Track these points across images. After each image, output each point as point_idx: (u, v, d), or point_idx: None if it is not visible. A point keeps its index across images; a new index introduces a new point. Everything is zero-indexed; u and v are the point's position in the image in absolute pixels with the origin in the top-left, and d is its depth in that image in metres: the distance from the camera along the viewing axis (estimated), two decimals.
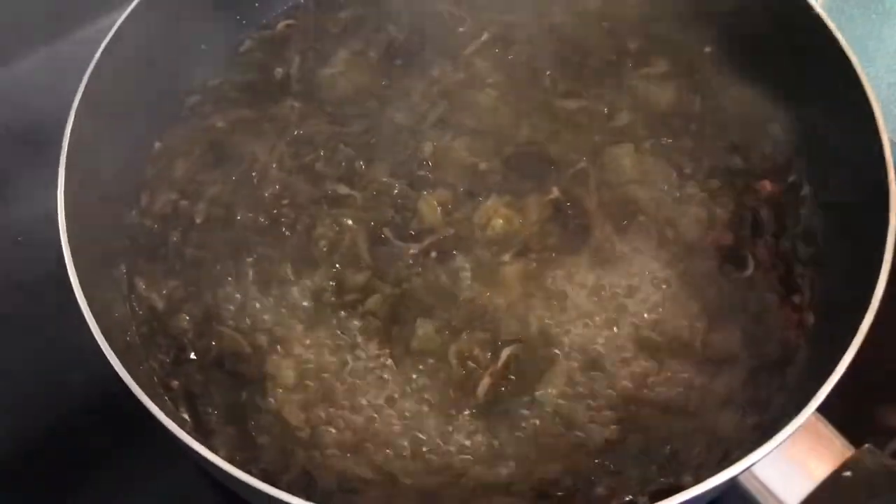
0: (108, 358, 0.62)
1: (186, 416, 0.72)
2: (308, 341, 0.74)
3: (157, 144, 0.87)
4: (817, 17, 0.79)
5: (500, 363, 0.72)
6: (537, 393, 0.71)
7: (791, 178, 0.83)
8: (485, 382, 0.71)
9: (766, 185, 0.82)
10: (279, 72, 0.92)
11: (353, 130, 0.86)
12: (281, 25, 0.96)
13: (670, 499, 0.56)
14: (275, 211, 0.82)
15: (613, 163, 0.83)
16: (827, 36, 0.77)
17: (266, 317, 0.76)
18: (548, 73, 0.89)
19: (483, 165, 0.83)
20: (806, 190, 0.82)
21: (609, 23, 0.93)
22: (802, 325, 0.74)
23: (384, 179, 0.83)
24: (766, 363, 0.73)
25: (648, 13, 0.92)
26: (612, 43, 0.92)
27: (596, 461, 0.69)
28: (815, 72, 0.80)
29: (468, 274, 0.77)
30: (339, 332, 0.75)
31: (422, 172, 0.83)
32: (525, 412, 0.71)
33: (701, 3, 0.89)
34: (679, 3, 0.90)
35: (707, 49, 0.90)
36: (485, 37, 0.92)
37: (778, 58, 0.84)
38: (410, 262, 0.78)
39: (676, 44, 0.90)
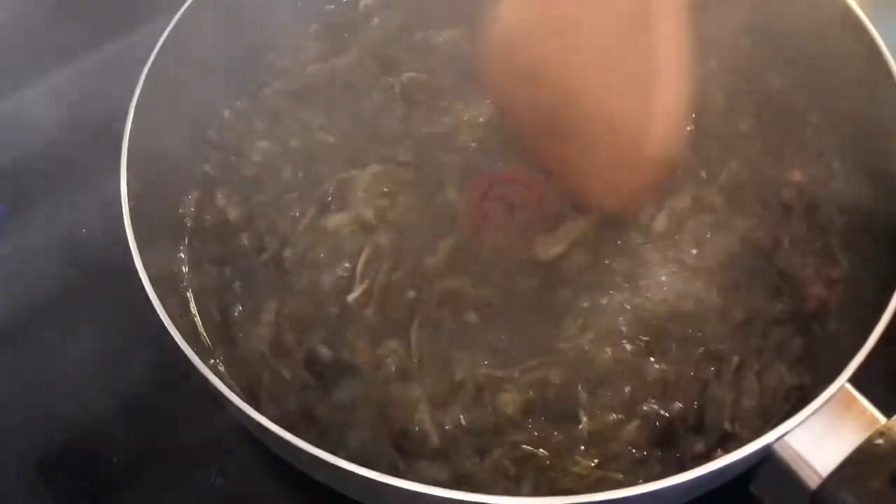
0: (175, 338, 0.65)
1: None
2: None
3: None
4: (858, 21, 0.80)
5: None
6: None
7: (825, 158, 0.86)
8: None
9: (796, 175, 0.85)
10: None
11: None
12: None
13: (705, 466, 0.59)
14: None
15: None
16: (868, 39, 0.79)
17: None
18: None
19: None
20: (837, 164, 0.85)
21: None
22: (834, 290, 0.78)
23: None
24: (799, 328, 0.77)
25: None
26: None
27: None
28: (854, 72, 0.82)
29: None
30: None
31: None
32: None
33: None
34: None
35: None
36: None
37: (816, 59, 0.87)
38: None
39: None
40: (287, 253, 0.83)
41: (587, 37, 0.72)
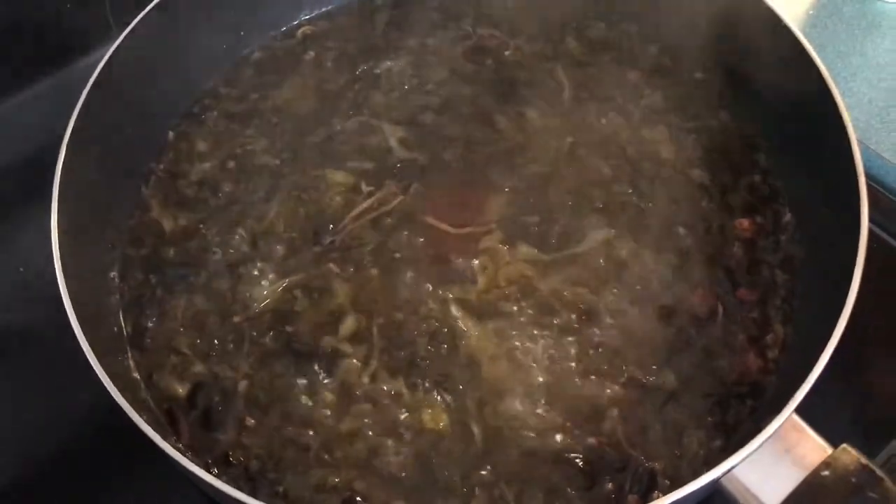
0: (104, 382, 0.63)
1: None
2: None
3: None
4: (797, 42, 0.81)
5: None
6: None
7: (775, 206, 0.85)
8: None
9: (743, 223, 0.84)
10: None
11: None
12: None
13: (656, 502, 0.58)
14: None
15: None
16: (805, 56, 0.80)
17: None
18: None
19: None
20: (788, 217, 0.84)
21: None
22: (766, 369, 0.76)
23: None
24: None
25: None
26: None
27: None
28: (796, 94, 0.82)
29: None
30: None
31: None
32: None
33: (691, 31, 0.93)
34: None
35: (697, 75, 0.95)
36: None
37: (762, 85, 0.87)
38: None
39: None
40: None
41: None
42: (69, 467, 0.81)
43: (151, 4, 0.88)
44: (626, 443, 0.72)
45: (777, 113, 0.86)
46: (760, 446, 0.59)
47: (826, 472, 0.59)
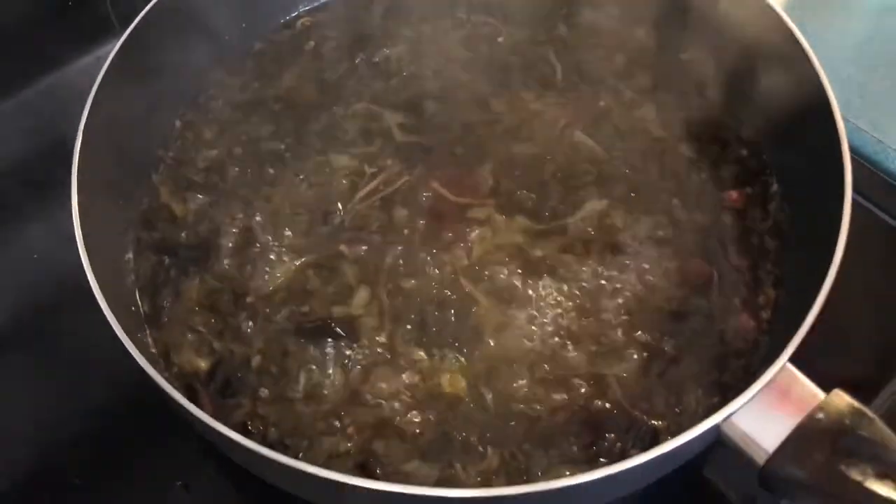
0: (133, 356, 0.66)
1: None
2: None
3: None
4: (781, 20, 0.85)
5: None
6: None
7: (763, 178, 0.89)
8: None
9: (733, 195, 0.88)
10: None
11: None
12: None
13: (661, 446, 0.61)
14: None
15: None
16: (787, 33, 0.84)
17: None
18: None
19: None
20: (775, 187, 0.88)
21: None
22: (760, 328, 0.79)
23: None
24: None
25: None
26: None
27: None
28: (777, 69, 0.86)
29: None
30: None
31: None
32: None
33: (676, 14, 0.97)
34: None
35: (683, 56, 0.98)
36: None
37: (747, 64, 0.91)
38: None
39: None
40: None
41: None
42: (80, 456, 0.83)
43: (153, 1, 0.91)
44: (629, 405, 0.75)
45: (762, 90, 0.90)
46: (758, 394, 0.63)
47: (820, 416, 0.62)
